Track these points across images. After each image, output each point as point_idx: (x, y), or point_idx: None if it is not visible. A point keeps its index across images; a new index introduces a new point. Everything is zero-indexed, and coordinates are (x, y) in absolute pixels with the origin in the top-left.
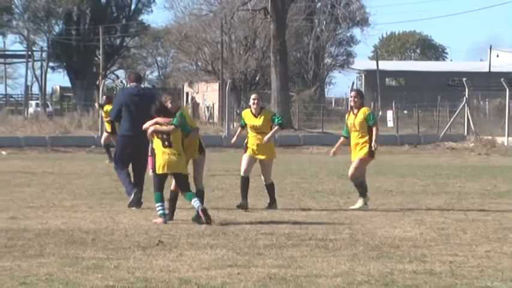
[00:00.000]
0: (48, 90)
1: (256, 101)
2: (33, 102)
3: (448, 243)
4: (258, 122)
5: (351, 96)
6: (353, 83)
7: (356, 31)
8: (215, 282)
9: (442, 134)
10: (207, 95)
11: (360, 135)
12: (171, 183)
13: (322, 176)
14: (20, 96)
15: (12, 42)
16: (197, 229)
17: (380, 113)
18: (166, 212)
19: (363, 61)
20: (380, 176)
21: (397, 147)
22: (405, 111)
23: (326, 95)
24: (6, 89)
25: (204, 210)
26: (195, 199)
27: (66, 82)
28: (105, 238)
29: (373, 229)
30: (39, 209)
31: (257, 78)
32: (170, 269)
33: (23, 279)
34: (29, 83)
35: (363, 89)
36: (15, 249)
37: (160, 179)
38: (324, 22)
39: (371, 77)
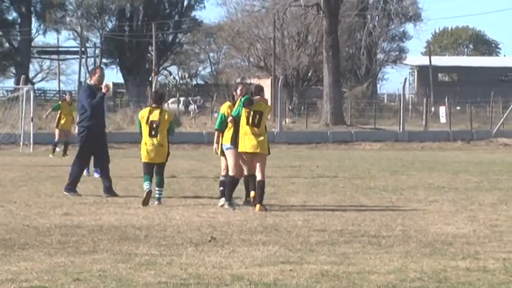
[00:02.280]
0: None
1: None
2: None
3: (502, 240)
4: None
5: (239, 90)
6: (406, 79)
7: (409, 26)
8: (267, 278)
9: (495, 130)
10: None
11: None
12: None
13: (375, 172)
14: (73, 92)
15: (66, 39)
16: (249, 226)
17: (433, 108)
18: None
19: (416, 57)
20: (433, 172)
21: (449, 143)
22: (458, 107)
23: (378, 91)
24: (59, 85)
25: (148, 193)
26: (148, 184)
27: (119, 78)
28: (157, 234)
29: (426, 226)
30: (92, 205)
31: (309, 74)
32: (222, 265)
33: (76, 276)
34: (82, 79)
35: (415, 85)
36: (69, 246)
37: (146, 166)
38: (377, 18)
39: (424, 72)
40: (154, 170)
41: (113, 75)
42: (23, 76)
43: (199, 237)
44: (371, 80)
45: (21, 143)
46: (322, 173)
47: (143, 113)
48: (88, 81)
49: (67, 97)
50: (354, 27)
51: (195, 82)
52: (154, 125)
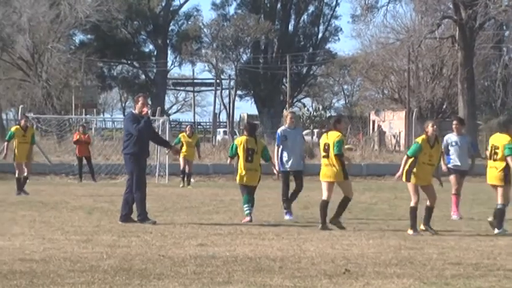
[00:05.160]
0: (236, 118)
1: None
2: (221, 130)
3: None
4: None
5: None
6: None
7: None
8: None
9: None
10: (393, 123)
11: None
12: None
13: (511, 206)
14: (208, 123)
15: (201, 71)
16: (384, 258)
17: None
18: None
19: None
20: None
21: None
22: None
23: None
24: (195, 116)
25: (250, 219)
26: (248, 207)
27: (253, 110)
28: (292, 266)
29: None
30: (227, 236)
31: (444, 106)
32: None
33: None
34: (217, 111)
35: None
36: (204, 276)
37: (244, 188)
38: None
39: None
40: (251, 194)
41: (248, 107)
42: (158, 108)
43: (333, 269)
44: (507, 112)
45: (156, 174)
46: None
47: (241, 139)
48: (132, 110)
49: (187, 129)
50: (490, 60)
51: (329, 114)
52: (250, 152)
